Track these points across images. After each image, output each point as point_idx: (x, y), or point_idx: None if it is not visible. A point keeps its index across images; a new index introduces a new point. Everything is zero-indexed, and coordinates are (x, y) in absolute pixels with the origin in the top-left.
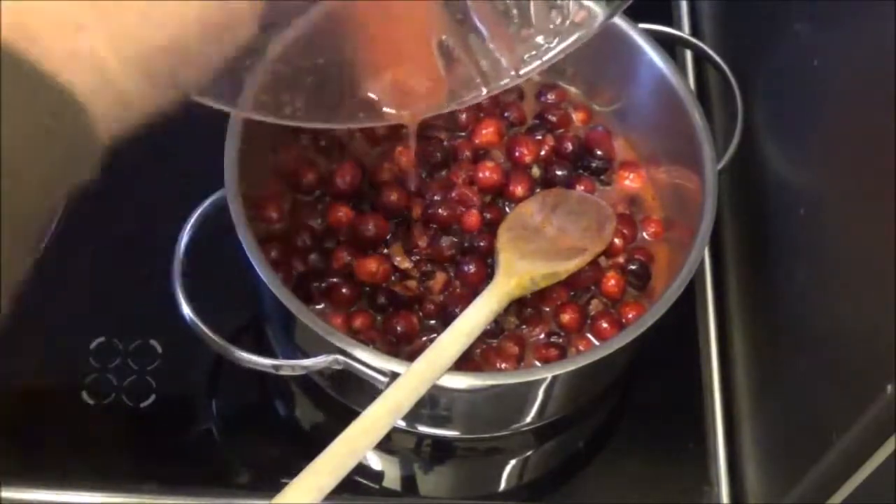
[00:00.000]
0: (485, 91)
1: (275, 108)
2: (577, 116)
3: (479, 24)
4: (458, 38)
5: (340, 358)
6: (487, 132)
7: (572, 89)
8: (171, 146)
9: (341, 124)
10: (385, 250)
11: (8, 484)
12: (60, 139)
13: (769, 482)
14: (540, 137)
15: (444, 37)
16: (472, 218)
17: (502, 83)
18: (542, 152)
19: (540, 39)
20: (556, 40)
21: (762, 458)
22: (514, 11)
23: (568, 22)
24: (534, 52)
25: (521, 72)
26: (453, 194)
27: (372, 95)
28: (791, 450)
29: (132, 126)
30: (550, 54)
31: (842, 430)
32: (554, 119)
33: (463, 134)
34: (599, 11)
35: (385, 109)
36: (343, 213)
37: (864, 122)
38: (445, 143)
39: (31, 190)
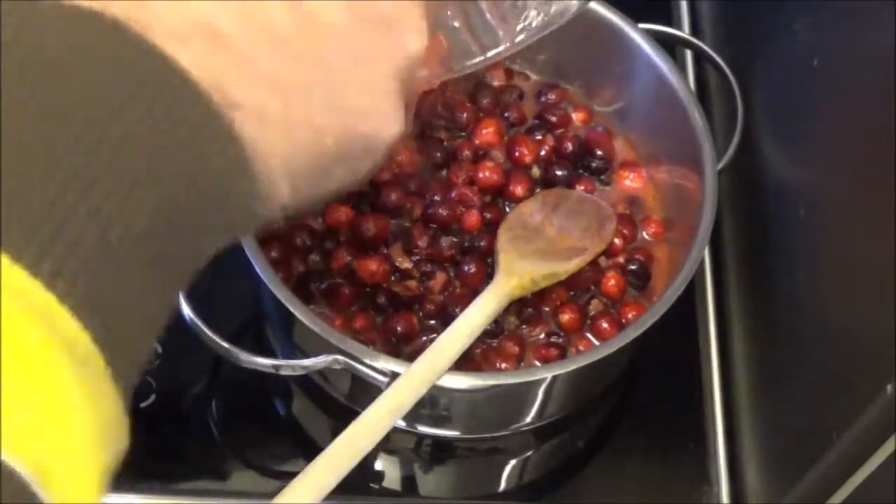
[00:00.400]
0: (482, 57)
1: None
2: (577, 116)
3: None
4: (457, 8)
5: (340, 358)
6: (487, 132)
7: (572, 89)
8: None
9: None
10: (385, 250)
11: None
12: (223, 184)
13: (769, 482)
14: (540, 137)
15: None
16: (472, 218)
17: (500, 49)
18: (542, 152)
19: (533, 12)
20: (551, 8)
21: (762, 458)
22: None
23: None
24: (527, 23)
25: (517, 39)
26: (453, 194)
27: None
28: (791, 450)
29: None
30: (544, 22)
31: (842, 430)
32: (554, 119)
33: (463, 134)
34: None
35: None
36: (343, 213)
37: (864, 122)
38: (445, 143)
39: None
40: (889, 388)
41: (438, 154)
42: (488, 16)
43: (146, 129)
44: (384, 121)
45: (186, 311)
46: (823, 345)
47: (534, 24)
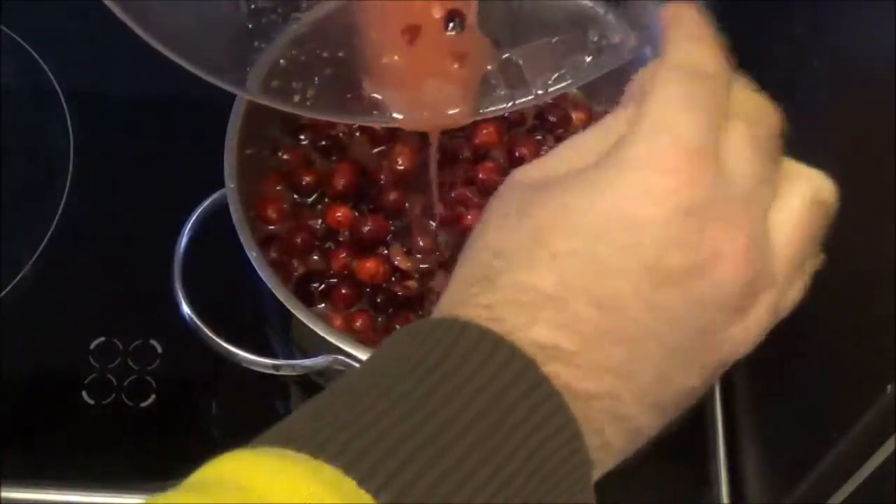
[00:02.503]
0: (509, 104)
1: (284, 94)
2: (577, 116)
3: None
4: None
5: (340, 358)
6: (487, 132)
7: (572, 89)
8: (172, 146)
9: (352, 119)
10: (385, 250)
11: (8, 484)
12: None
13: (769, 482)
14: (540, 137)
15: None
16: (473, 218)
17: (528, 98)
18: (542, 152)
19: (569, 61)
20: (586, 62)
21: (762, 458)
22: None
23: (603, 43)
24: (561, 73)
25: (550, 89)
26: (453, 194)
27: (385, 97)
28: (791, 450)
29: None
30: (579, 75)
31: (842, 430)
32: (554, 119)
33: (463, 134)
34: (633, 37)
35: (401, 115)
36: (342, 213)
37: (864, 122)
38: (445, 143)
39: None
40: (889, 388)
41: (438, 154)
42: (520, 62)
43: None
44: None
45: (186, 310)
46: (823, 345)
47: (567, 78)
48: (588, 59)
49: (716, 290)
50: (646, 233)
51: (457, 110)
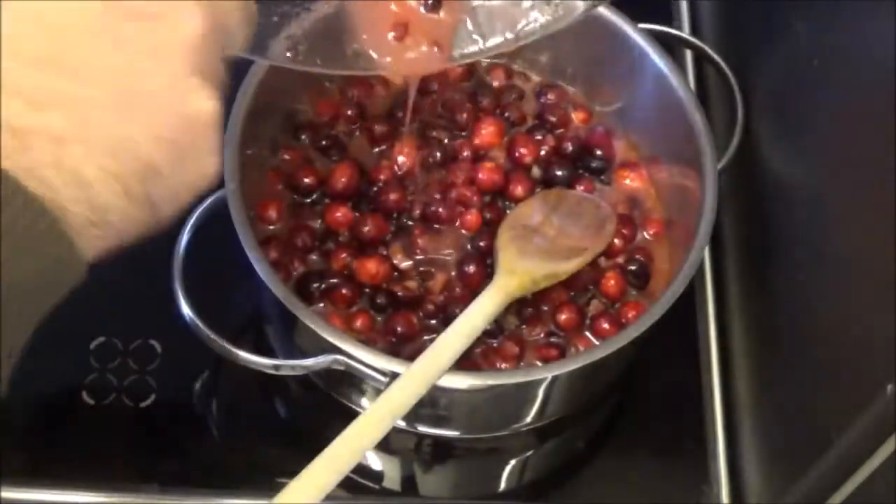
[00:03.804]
0: (479, 47)
1: (277, 50)
2: (577, 116)
3: None
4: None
5: (340, 358)
6: (487, 132)
7: (572, 89)
8: None
9: (340, 70)
10: (385, 250)
11: (8, 484)
12: (36, 251)
13: (769, 482)
14: (540, 137)
15: None
16: (472, 218)
17: (499, 41)
18: (542, 152)
19: (536, 13)
20: (557, 9)
21: (762, 458)
22: None
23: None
24: (530, 20)
25: (519, 33)
26: (453, 194)
27: (371, 51)
28: (791, 450)
29: (115, 244)
30: (548, 22)
31: (842, 430)
32: (554, 119)
33: (463, 134)
34: None
35: (383, 61)
36: (341, 213)
37: (864, 122)
38: (445, 143)
39: (8, 308)
40: (889, 388)
41: (438, 154)
42: (491, 11)
43: None
44: (192, 100)
45: (186, 310)
46: (823, 345)
47: (538, 23)
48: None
49: None
50: None
51: (436, 54)
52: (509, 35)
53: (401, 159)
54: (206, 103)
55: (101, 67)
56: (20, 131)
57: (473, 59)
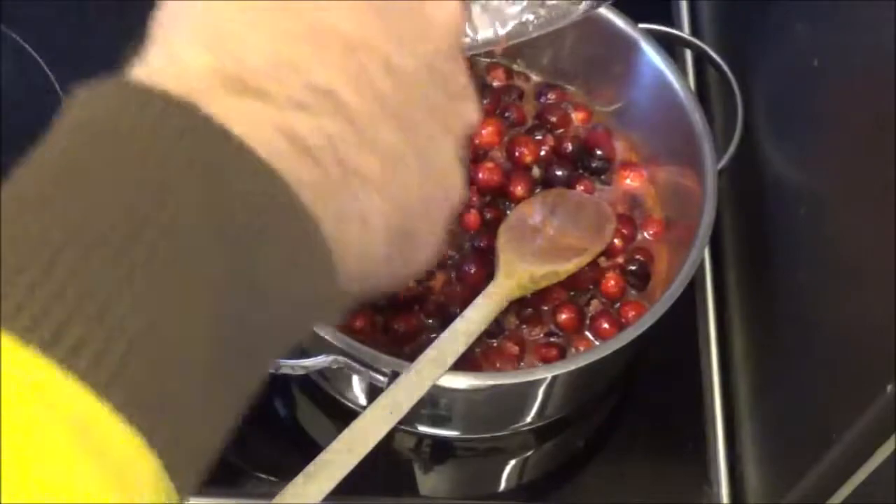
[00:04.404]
0: (471, 39)
1: None
2: (577, 116)
3: None
4: None
5: (340, 358)
6: (487, 132)
7: (572, 89)
8: None
9: None
10: None
11: None
12: (308, 278)
13: (769, 482)
14: (540, 137)
15: None
16: (472, 218)
17: (490, 37)
18: (542, 152)
19: (530, 15)
20: (542, 15)
21: (762, 458)
22: None
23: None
24: (526, 18)
25: (504, 32)
26: None
27: None
28: (791, 450)
29: (364, 294)
30: (543, 21)
31: (842, 430)
32: (554, 119)
33: None
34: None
35: None
36: None
37: (864, 121)
38: None
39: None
40: (889, 388)
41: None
42: (486, 6)
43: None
44: (457, 183)
45: None
46: (823, 345)
47: (534, 22)
48: (543, 13)
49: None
50: None
51: None
52: (501, 32)
53: None
54: (461, 190)
55: (420, 131)
56: (343, 163)
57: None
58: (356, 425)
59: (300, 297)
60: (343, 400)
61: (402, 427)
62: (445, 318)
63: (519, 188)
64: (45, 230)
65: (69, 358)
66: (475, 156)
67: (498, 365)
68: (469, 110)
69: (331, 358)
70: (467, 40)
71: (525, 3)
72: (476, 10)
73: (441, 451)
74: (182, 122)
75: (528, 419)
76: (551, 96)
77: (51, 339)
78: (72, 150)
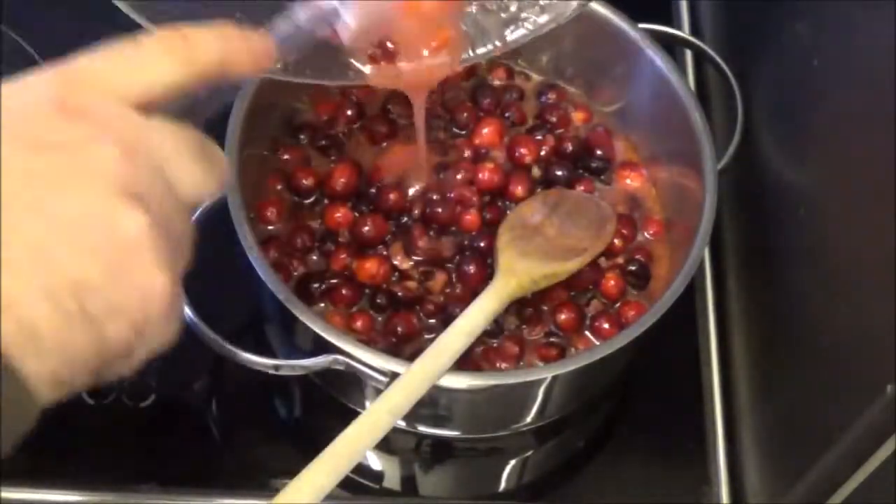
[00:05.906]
0: (470, 53)
1: None
2: (577, 116)
3: None
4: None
5: (340, 358)
6: (487, 132)
7: (572, 89)
8: None
9: (329, 81)
10: (384, 251)
11: (8, 484)
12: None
13: (769, 482)
14: (540, 137)
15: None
16: (472, 218)
17: (489, 49)
18: (542, 152)
19: (524, 14)
20: (539, 16)
21: (762, 458)
22: None
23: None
24: (515, 26)
25: (509, 39)
26: (453, 194)
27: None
28: (791, 450)
29: (66, 375)
30: (532, 27)
31: (842, 430)
32: (554, 119)
33: (463, 134)
34: None
35: (368, 70)
36: (341, 214)
37: (864, 121)
38: (445, 143)
39: None
40: (889, 388)
41: (438, 154)
42: (479, 18)
43: None
44: (116, 217)
45: (186, 311)
46: (823, 345)
47: (528, 26)
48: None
49: None
50: None
51: (443, 61)
52: (498, 43)
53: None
54: (132, 223)
55: (20, 197)
56: None
57: (465, 65)
58: (356, 425)
59: None
60: (343, 400)
61: (402, 427)
62: (445, 319)
63: (519, 188)
64: None
65: None
66: (475, 156)
67: (498, 365)
68: (94, 154)
69: (331, 358)
70: (464, 56)
71: (517, 21)
72: (469, 27)
73: (441, 451)
74: None
75: (528, 419)
76: (551, 96)
77: None
78: None
